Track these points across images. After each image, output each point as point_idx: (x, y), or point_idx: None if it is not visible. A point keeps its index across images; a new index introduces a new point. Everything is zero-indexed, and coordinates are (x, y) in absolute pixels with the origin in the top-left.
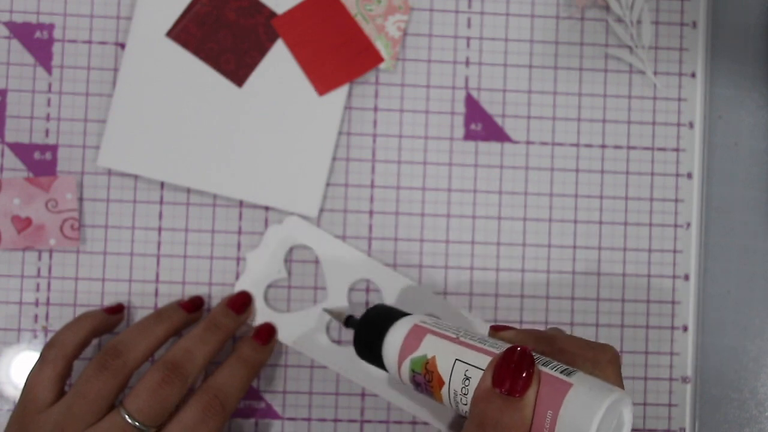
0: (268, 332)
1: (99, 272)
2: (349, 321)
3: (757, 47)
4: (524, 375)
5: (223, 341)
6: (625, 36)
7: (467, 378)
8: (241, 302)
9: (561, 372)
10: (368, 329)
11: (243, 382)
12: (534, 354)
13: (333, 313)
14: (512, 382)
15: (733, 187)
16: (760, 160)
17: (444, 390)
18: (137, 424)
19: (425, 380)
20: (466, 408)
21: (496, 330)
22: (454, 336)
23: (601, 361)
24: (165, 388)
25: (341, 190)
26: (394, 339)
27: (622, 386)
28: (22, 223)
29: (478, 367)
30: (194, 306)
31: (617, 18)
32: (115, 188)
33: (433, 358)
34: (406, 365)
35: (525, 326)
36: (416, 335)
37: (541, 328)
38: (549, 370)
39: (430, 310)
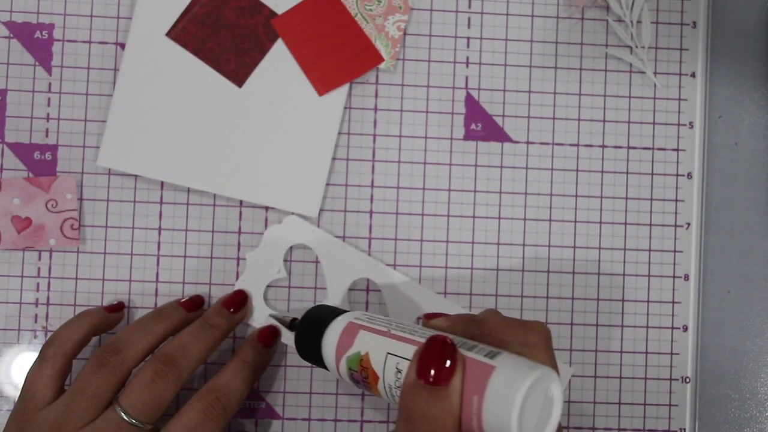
0: (271, 335)
1: (99, 272)
2: (292, 324)
3: (757, 47)
4: (447, 363)
5: (218, 339)
6: (625, 36)
7: (399, 371)
8: (237, 301)
9: (485, 355)
10: (308, 330)
11: (245, 384)
12: (460, 340)
13: (278, 319)
14: (436, 371)
15: (733, 187)
16: (760, 160)
17: (380, 385)
18: (133, 421)
19: (362, 377)
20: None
21: (428, 318)
22: (385, 329)
23: (529, 341)
24: (158, 383)
25: (341, 190)
26: (330, 338)
27: (552, 364)
28: (22, 223)
29: (408, 359)
30: (194, 305)
31: (617, 18)
32: (115, 188)
33: (367, 354)
34: (343, 363)
35: None
36: (350, 333)
37: None
38: (473, 354)
39: (430, 309)
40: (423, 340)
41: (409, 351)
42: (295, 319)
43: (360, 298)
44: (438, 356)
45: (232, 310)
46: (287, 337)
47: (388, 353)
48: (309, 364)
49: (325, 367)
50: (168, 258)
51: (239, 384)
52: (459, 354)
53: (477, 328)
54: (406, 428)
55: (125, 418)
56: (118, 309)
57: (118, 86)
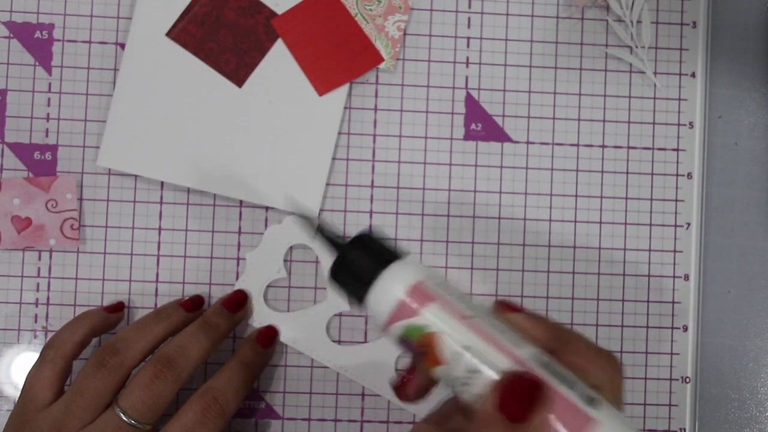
0: (269, 335)
1: (99, 272)
2: (323, 232)
3: (757, 47)
4: (530, 402)
5: (218, 340)
6: (625, 36)
7: (474, 371)
8: (236, 301)
9: (584, 401)
10: (358, 260)
11: (243, 385)
12: (558, 370)
13: (302, 215)
14: (518, 408)
15: (733, 187)
16: (760, 160)
17: (440, 369)
18: (132, 421)
19: (417, 350)
20: (465, 396)
21: (503, 309)
22: (465, 314)
23: (609, 374)
24: (157, 384)
25: (341, 190)
26: (388, 290)
27: (622, 404)
28: (22, 223)
29: (489, 365)
30: (194, 305)
31: (617, 18)
32: (115, 188)
33: (437, 335)
34: (399, 328)
35: None
36: (419, 297)
37: None
38: (571, 395)
39: None
40: (514, 350)
41: (494, 357)
42: (323, 227)
43: None
44: (523, 396)
45: (231, 310)
46: (286, 338)
47: (466, 349)
48: (309, 364)
49: (356, 303)
50: (168, 258)
51: (237, 384)
52: (546, 392)
53: (560, 343)
54: None
55: (124, 418)
56: (118, 309)
57: (118, 86)
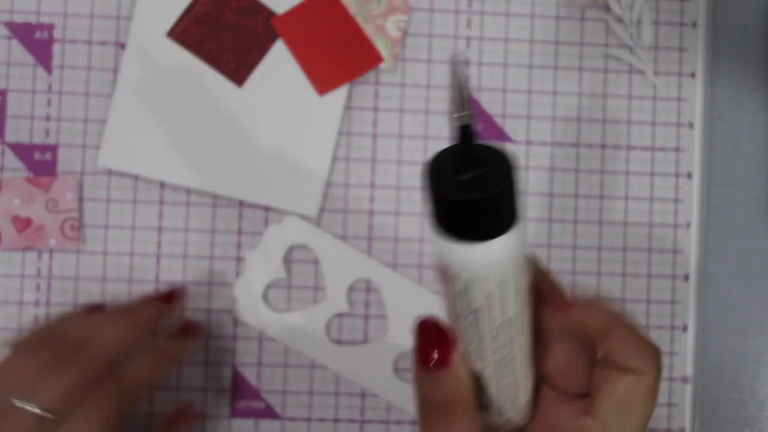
0: (189, 328)
1: (99, 272)
2: (468, 134)
3: (757, 47)
4: (441, 345)
5: (140, 327)
6: (625, 36)
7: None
8: (169, 294)
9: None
10: (500, 199)
11: (152, 373)
12: None
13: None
14: (427, 353)
15: (733, 187)
16: (760, 160)
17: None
18: (36, 408)
19: (466, 310)
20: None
21: (553, 310)
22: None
23: (646, 364)
24: (62, 368)
25: (341, 190)
26: (497, 253)
27: (656, 394)
28: (22, 223)
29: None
30: (169, 297)
31: (617, 18)
32: (115, 188)
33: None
34: (471, 284)
35: None
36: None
37: None
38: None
39: (429, 310)
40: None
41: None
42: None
43: (360, 298)
44: (431, 340)
45: (163, 300)
46: (284, 336)
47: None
48: (309, 365)
49: (442, 226)
50: (168, 258)
51: (146, 372)
52: (451, 332)
53: (610, 329)
54: (422, 417)
55: (29, 408)
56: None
57: (118, 86)
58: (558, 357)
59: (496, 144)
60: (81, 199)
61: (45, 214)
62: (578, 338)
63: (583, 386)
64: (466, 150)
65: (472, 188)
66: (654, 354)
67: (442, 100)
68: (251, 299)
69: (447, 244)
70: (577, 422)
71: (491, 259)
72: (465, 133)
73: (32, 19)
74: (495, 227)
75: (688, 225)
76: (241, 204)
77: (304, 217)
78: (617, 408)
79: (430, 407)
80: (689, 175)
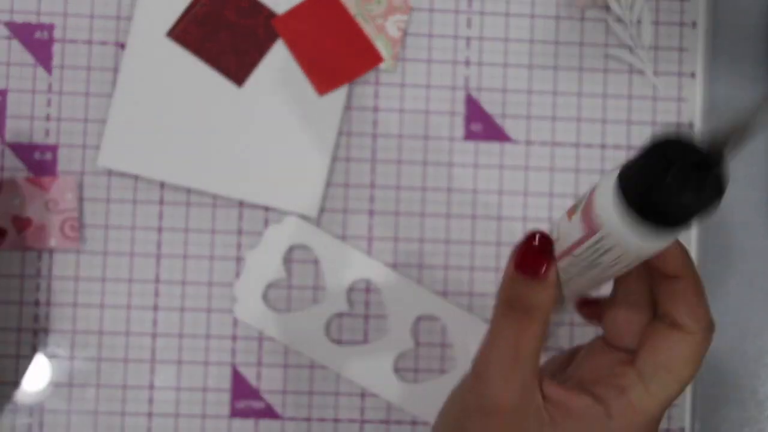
0: None
1: (99, 272)
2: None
3: (757, 47)
4: (542, 257)
5: None
6: (625, 36)
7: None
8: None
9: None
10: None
11: None
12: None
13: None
14: (532, 262)
15: (733, 187)
16: (760, 160)
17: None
18: None
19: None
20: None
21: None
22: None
23: (697, 325)
24: None
25: (341, 190)
26: (652, 248)
27: (699, 364)
28: (22, 223)
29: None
30: None
31: (617, 18)
32: (115, 188)
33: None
34: (609, 250)
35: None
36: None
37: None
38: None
39: (430, 310)
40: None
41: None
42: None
43: (360, 298)
44: (535, 252)
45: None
46: (284, 336)
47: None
48: (309, 365)
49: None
50: (168, 258)
51: None
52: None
53: (681, 274)
54: (502, 311)
55: None
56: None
57: (118, 86)
58: (617, 314)
59: (725, 169)
60: (81, 199)
61: (45, 214)
62: (651, 272)
63: (634, 343)
64: (712, 167)
65: (694, 202)
66: (707, 320)
67: (442, 100)
68: (251, 299)
69: (617, 212)
70: (618, 368)
71: (644, 249)
72: (722, 155)
73: (32, 19)
74: (671, 231)
75: None
76: (241, 204)
77: (304, 217)
78: (658, 362)
79: (515, 305)
80: None
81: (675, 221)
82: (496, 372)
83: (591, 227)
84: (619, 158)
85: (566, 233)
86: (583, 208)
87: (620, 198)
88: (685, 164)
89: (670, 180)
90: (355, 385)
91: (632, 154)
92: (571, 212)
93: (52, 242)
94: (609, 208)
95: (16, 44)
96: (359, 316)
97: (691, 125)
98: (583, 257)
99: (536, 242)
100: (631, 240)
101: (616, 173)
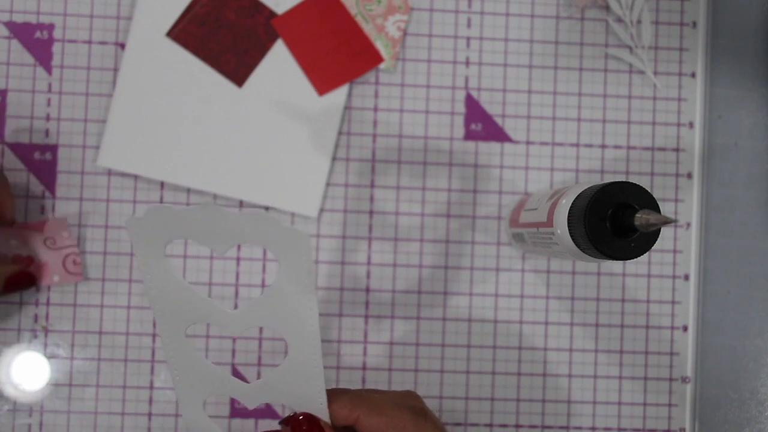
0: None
1: (99, 272)
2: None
3: (757, 47)
4: None
5: None
6: (625, 36)
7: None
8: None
9: None
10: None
11: None
12: None
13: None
14: None
15: (733, 187)
16: (760, 160)
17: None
18: None
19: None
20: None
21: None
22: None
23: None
24: None
25: (341, 190)
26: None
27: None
28: (24, 261)
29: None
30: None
31: (617, 18)
32: (115, 188)
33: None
34: (553, 245)
35: (524, 325)
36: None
37: (541, 328)
38: None
39: (431, 311)
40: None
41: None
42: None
43: (360, 299)
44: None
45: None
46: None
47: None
48: None
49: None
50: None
51: None
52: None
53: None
54: None
55: None
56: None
57: (118, 86)
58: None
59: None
60: (81, 200)
61: (45, 252)
62: None
63: None
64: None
65: (622, 248)
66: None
67: (442, 100)
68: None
69: (567, 229)
70: None
71: (582, 257)
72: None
73: (32, 19)
74: (602, 256)
75: (688, 225)
76: (241, 204)
77: (304, 217)
78: None
79: None
80: (689, 175)
81: (606, 254)
82: None
83: (551, 221)
84: (620, 158)
85: (539, 207)
86: (552, 204)
87: (569, 220)
88: (621, 219)
89: (608, 227)
90: (354, 385)
91: (631, 154)
92: (550, 196)
93: (55, 278)
94: (563, 223)
95: (16, 44)
96: (359, 316)
97: (691, 125)
98: (540, 237)
99: (301, 423)
100: (573, 248)
101: (579, 191)
